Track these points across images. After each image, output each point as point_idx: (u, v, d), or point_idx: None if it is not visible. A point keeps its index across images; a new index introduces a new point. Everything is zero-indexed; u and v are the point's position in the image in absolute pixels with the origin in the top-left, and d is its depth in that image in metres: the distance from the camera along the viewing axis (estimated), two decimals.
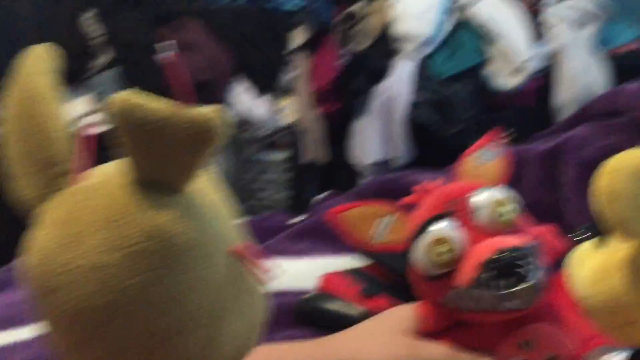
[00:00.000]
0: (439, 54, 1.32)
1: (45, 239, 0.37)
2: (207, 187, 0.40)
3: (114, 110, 0.34)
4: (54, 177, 0.38)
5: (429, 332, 0.60)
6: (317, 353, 0.61)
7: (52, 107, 0.39)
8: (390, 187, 0.94)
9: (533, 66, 1.30)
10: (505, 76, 1.30)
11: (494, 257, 0.55)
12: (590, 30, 1.37)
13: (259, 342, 0.43)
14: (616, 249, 0.45)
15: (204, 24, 1.30)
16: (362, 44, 1.33)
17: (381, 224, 0.61)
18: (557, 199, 0.97)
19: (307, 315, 0.79)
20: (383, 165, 1.31)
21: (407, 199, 0.62)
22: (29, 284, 0.38)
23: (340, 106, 1.34)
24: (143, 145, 0.35)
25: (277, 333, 0.73)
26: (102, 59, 1.25)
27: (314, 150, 1.34)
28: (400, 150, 1.28)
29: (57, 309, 0.37)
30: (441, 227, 0.58)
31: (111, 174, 0.38)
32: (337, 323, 0.67)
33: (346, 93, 1.33)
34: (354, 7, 1.36)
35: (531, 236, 0.59)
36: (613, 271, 0.44)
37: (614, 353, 0.56)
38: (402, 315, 0.61)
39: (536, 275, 0.56)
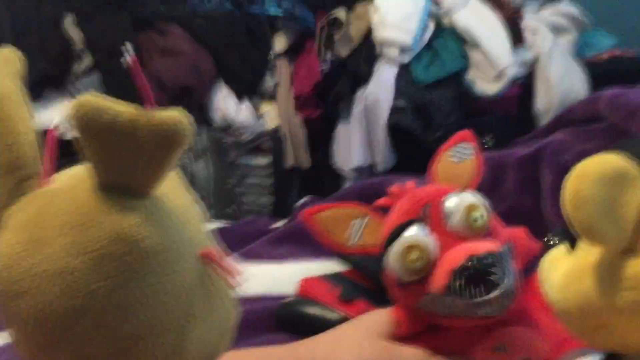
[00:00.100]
0: (421, 60, 1.32)
1: (10, 243, 0.37)
2: (175, 190, 0.40)
3: (79, 114, 0.34)
4: (20, 180, 0.38)
5: (404, 336, 0.60)
6: (291, 357, 0.61)
7: (18, 109, 0.39)
8: (371, 192, 0.94)
9: (514, 72, 1.31)
10: (487, 82, 1.31)
11: (466, 264, 0.55)
12: (569, 38, 1.38)
13: (229, 347, 0.43)
14: (587, 254, 0.45)
15: (186, 29, 1.30)
16: (344, 49, 1.33)
17: (354, 226, 0.61)
18: (537, 204, 0.97)
19: (286, 320, 0.79)
20: (365, 171, 1.31)
21: (380, 201, 0.62)
22: None
23: (323, 111, 1.34)
24: (108, 149, 0.35)
25: (257, 337, 0.73)
26: (83, 64, 1.25)
27: (297, 155, 1.34)
28: (382, 155, 1.28)
29: (23, 313, 0.36)
30: (413, 234, 0.58)
31: (77, 177, 0.38)
32: (316, 328, 0.67)
33: (328, 98, 1.33)
34: (337, 13, 1.36)
35: (503, 240, 0.59)
36: (584, 276, 0.44)
37: (587, 356, 0.56)
38: (376, 319, 0.61)
39: (508, 281, 0.56)
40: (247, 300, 0.77)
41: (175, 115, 0.35)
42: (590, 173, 0.40)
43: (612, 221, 0.41)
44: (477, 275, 0.55)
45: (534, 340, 0.59)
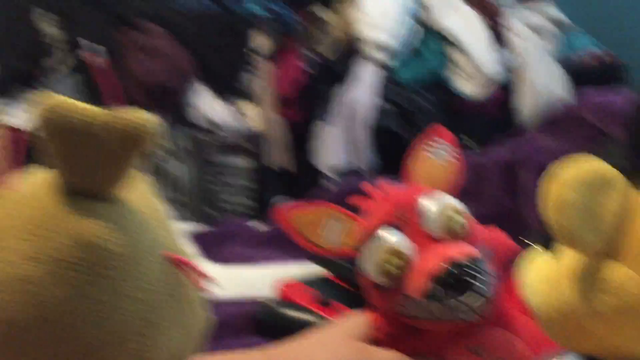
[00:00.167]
0: (404, 61, 1.32)
1: None
2: (142, 193, 0.39)
3: (42, 114, 0.33)
4: None
5: (381, 338, 0.60)
6: None
7: None
8: (351, 194, 0.94)
9: (497, 75, 1.31)
10: (470, 84, 1.31)
11: (445, 269, 0.55)
12: (550, 40, 1.39)
13: (201, 351, 0.42)
14: (567, 258, 0.45)
15: (165, 28, 1.29)
16: (327, 50, 1.33)
17: (328, 227, 0.60)
18: (519, 206, 0.98)
19: (265, 323, 0.78)
20: (347, 172, 1.31)
21: (354, 200, 0.61)
22: None
23: (305, 112, 1.33)
24: (70, 150, 0.34)
25: (236, 340, 0.73)
26: (60, 62, 1.23)
27: (278, 155, 1.33)
28: (365, 156, 1.28)
29: None
30: (391, 238, 0.57)
31: (39, 181, 0.37)
32: (295, 330, 0.66)
33: (310, 99, 1.32)
34: (320, 13, 1.36)
35: (481, 242, 0.58)
36: (563, 280, 0.44)
37: (564, 357, 0.56)
38: (353, 322, 0.61)
39: (486, 284, 0.56)
40: (225, 303, 0.77)
41: (139, 115, 0.34)
42: (571, 178, 0.40)
43: (593, 227, 0.41)
44: (456, 280, 0.55)
45: (511, 342, 0.59)
